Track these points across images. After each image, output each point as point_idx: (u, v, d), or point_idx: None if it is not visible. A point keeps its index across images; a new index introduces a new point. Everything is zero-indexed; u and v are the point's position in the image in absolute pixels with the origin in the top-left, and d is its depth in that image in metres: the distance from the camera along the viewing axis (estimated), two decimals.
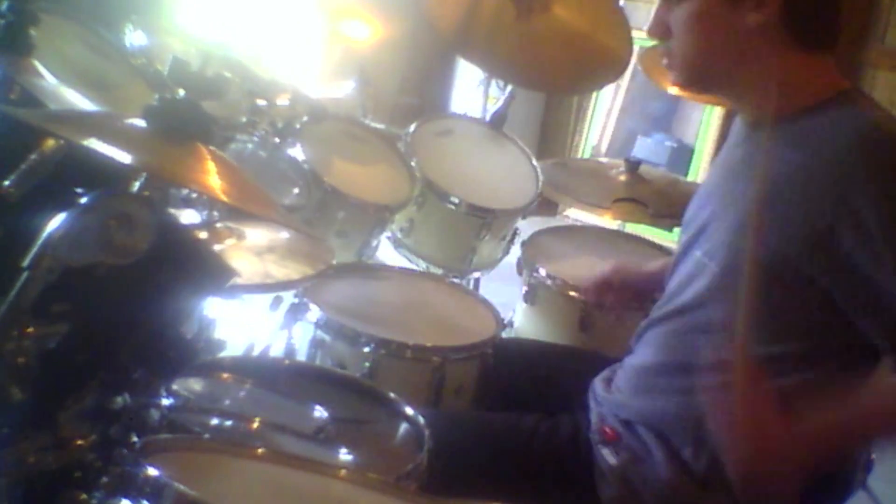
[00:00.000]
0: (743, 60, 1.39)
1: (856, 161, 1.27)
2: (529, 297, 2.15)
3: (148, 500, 0.96)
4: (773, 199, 1.32)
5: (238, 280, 1.25)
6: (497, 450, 1.55)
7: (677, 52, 1.43)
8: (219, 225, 1.61)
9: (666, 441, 1.43)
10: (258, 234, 1.68)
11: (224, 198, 1.05)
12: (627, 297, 1.92)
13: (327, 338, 1.76)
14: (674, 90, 2.82)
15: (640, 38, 2.35)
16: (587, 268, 2.12)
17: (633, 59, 2.58)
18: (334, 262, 1.80)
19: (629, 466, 1.45)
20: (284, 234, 1.73)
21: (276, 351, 1.78)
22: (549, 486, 1.51)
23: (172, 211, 1.33)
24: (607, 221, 3.03)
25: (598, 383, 1.59)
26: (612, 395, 1.54)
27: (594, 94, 5.29)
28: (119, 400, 1.05)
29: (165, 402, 1.12)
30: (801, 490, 1.24)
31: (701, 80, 1.47)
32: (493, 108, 2.59)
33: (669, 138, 5.31)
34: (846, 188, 1.26)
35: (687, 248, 1.50)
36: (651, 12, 1.46)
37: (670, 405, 1.44)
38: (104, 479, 1.02)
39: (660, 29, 1.43)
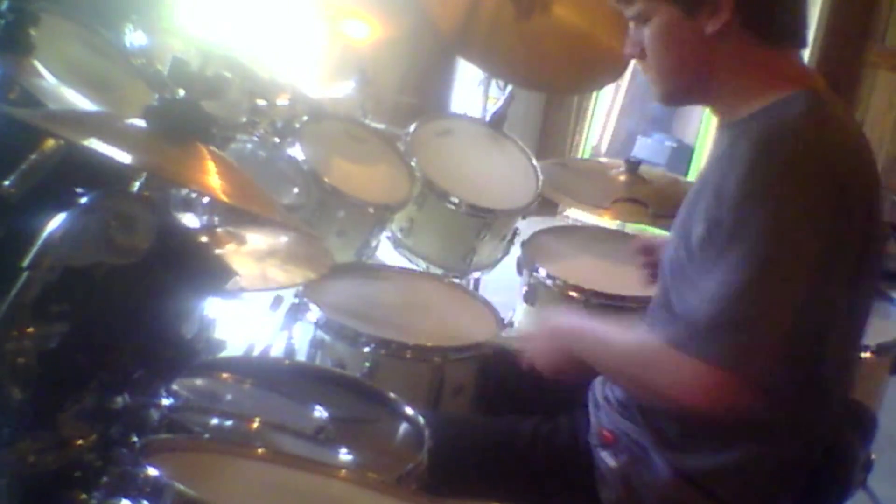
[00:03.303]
0: (712, 68, 1.41)
1: (742, 158, 1.30)
2: (529, 297, 2.14)
3: (148, 500, 0.97)
4: (699, 193, 1.38)
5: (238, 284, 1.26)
6: (497, 452, 1.55)
7: (653, 70, 1.46)
8: (219, 229, 1.61)
9: (664, 442, 1.43)
10: (258, 239, 1.68)
11: (224, 198, 1.05)
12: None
13: (327, 338, 1.76)
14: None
15: None
16: (587, 268, 2.12)
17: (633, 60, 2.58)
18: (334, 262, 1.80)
19: (629, 468, 1.45)
20: (284, 239, 1.73)
21: (276, 351, 1.79)
22: (549, 488, 1.51)
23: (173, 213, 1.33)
24: (607, 221, 3.01)
25: (597, 385, 1.59)
26: (609, 404, 1.53)
27: (594, 94, 5.27)
28: (119, 400, 1.05)
29: (165, 402, 1.12)
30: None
31: (678, 92, 1.49)
32: (493, 108, 2.58)
33: (669, 138, 5.30)
34: (727, 184, 1.30)
35: (674, 250, 1.50)
36: None
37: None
38: (104, 479, 1.02)
39: (636, 49, 1.46)
